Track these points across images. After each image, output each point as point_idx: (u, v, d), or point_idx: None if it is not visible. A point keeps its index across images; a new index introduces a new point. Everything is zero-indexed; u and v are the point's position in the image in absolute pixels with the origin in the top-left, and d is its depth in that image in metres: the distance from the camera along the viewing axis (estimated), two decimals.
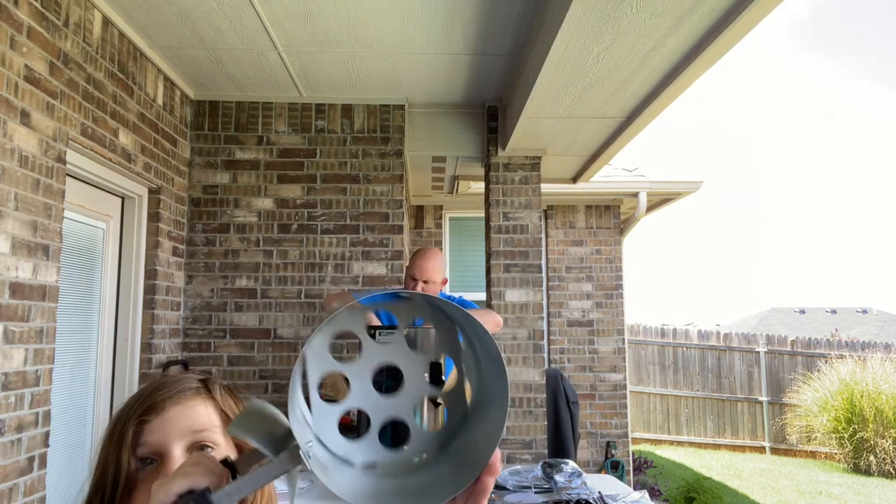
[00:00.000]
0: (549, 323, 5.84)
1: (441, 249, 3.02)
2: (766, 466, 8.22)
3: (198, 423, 0.79)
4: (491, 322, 2.88)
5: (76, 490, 2.80)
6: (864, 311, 26.48)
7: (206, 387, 0.84)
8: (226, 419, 0.82)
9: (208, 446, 0.79)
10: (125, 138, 2.78)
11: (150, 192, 3.15)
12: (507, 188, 3.76)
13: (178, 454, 0.77)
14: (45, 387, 2.21)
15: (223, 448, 0.81)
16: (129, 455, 0.76)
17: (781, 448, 9.23)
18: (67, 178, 2.42)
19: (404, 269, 3.50)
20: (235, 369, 3.46)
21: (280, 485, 0.69)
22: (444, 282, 2.95)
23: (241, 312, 3.49)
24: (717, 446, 9.48)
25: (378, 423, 0.63)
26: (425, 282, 2.82)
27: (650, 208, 5.90)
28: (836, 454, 8.47)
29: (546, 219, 5.98)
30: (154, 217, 3.14)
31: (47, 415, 2.23)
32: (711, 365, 9.77)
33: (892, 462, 7.73)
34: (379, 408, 0.63)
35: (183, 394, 0.81)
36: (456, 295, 3.22)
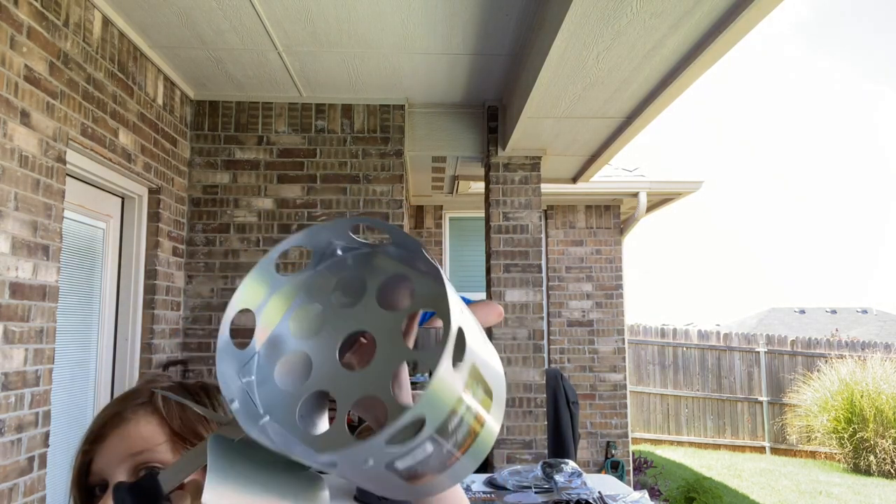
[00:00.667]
0: (549, 323, 5.84)
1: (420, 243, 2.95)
2: (766, 466, 8.22)
3: (136, 445, 0.73)
4: (493, 313, 2.83)
5: None
6: (864, 311, 26.47)
7: (152, 399, 0.78)
8: (172, 433, 0.75)
9: (154, 466, 0.73)
10: (125, 138, 2.78)
11: (150, 192, 3.15)
12: (507, 188, 3.76)
13: (123, 478, 0.72)
14: (45, 387, 2.21)
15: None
16: (75, 490, 0.75)
17: (781, 448, 9.23)
18: (67, 178, 2.42)
19: None
20: None
21: None
22: None
23: (241, 313, 3.48)
24: (717, 446, 9.48)
25: (346, 407, 0.55)
26: None
27: (650, 208, 5.90)
28: (836, 454, 8.47)
29: (546, 219, 5.98)
30: (154, 217, 3.14)
31: (47, 415, 2.23)
32: (711, 365, 9.77)
33: (892, 462, 7.73)
34: (348, 387, 0.55)
35: (122, 415, 0.76)
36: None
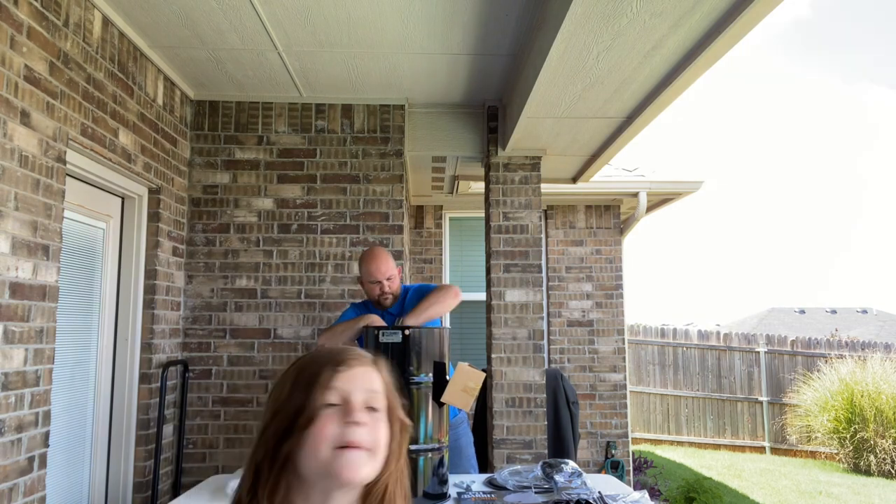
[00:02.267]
0: (549, 323, 5.84)
1: (385, 247, 3.00)
2: (766, 466, 8.22)
3: (374, 385, 1.00)
4: (450, 295, 2.79)
5: (76, 490, 2.79)
6: (864, 311, 26.46)
7: (375, 363, 1.05)
8: (388, 393, 1.02)
9: (374, 409, 0.98)
10: (125, 138, 2.78)
11: (150, 192, 3.15)
12: (507, 188, 3.76)
13: (359, 403, 0.96)
14: (45, 387, 2.21)
15: (382, 413, 0.99)
16: (322, 393, 0.95)
17: (781, 448, 9.23)
18: (67, 178, 2.42)
19: (400, 270, 3.49)
20: (235, 369, 3.46)
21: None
22: (400, 271, 2.92)
23: (241, 312, 3.49)
24: (717, 446, 9.48)
25: None
26: (388, 279, 2.79)
27: (650, 208, 5.90)
28: (836, 454, 8.47)
29: (546, 219, 5.98)
30: (154, 217, 3.14)
31: (47, 415, 2.23)
32: (711, 365, 9.77)
33: (892, 462, 7.73)
34: None
35: (365, 358, 1.03)
36: (413, 283, 3.16)
